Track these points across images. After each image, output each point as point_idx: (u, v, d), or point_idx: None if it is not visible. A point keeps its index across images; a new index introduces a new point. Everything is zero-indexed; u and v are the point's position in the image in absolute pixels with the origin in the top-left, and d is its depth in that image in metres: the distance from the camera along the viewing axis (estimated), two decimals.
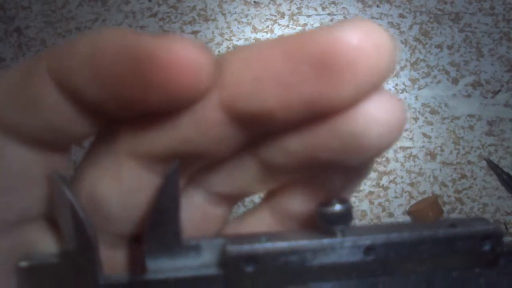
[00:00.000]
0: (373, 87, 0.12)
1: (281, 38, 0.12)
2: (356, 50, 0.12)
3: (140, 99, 0.13)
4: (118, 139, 0.15)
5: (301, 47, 0.12)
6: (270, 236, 0.15)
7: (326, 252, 0.15)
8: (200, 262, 0.15)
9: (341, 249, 0.15)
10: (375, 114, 0.13)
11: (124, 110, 0.14)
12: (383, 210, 0.46)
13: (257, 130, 0.14)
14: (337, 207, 0.15)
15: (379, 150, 0.13)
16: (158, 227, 0.15)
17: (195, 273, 0.15)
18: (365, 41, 0.12)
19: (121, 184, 0.15)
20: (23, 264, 0.15)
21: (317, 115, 0.13)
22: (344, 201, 0.15)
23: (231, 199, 0.17)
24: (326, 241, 0.15)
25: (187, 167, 0.15)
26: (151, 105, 0.13)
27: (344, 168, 0.15)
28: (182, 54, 0.12)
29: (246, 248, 0.15)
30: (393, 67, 0.12)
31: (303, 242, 0.15)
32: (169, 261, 0.15)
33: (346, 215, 0.15)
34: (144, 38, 0.12)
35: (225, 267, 0.15)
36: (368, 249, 0.15)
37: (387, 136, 0.13)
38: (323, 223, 0.15)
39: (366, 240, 0.15)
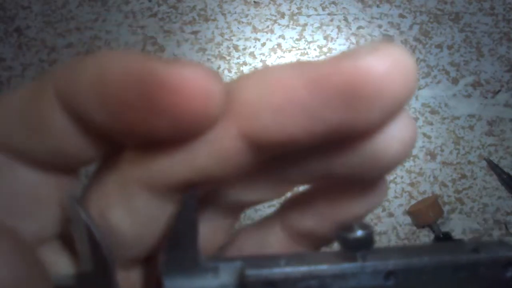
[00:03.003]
0: (399, 110, 0.12)
1: (301, 64, 0.12)
2: (384, 77, 0.12)
3: (148, 125, 0.13)
4: (128, 168, 0.15)
5: (326, 75, 0.12)
6: (289, 259, 0.15)
7: (346, 277, 0.15)
8: (218, 283, 0.15)
9: (361, 274, 0.15)
10: (396, 133, 0.13)
11: (133, 136, 0.13)
12: (383, 210, 0.46)
13: (276, 154, 0.14)
14: (359, 232, 0.15)
15: (394, 166, 0.14)
16: (175, 250, 0.15)
17: None
18: (393, 68, 0.12)
19: (133, 214, 0.15)
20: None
21: (342, 139, 0.13)
22: (365, 227, 0.15)
23: (241, 209, 0.18)
24: (346, 266, 0.15)
25: (200, 190, 0.15)
26: (159, 131, 0.13)
27: (359, 188, 0.16)
28: (192, 80, 0.12)
29: (265, 272, 0.15)
30: (415, 87, 0.12)
31: (323, 267, 0.15)
32: (187, 282, 0.15)
33: (367, 241, 0.15)
34: (153, 63, 0.12)
35: None
36: (389, 274, 0.15)
37: (404, 153, 0.13)
38: (344, 248, 0.15)
39: (387, 265, 0.15)
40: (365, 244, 0.15)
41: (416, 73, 0.12)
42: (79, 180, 0.16)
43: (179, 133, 0.13)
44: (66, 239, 0.16)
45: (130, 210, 0.15)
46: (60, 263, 0.16)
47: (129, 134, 0.13)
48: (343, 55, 0.12)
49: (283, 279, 0.15)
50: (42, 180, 0.15)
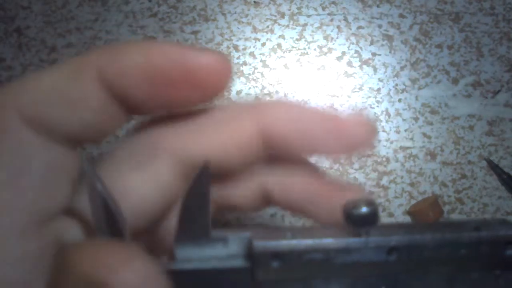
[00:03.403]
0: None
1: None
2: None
3: (184, 98, 0.17)
4: (162, 140, 0.18)
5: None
6: (296, 233, 0.16)
7: (350, 251, 0.15)
8: (227, 253, 0.16)
9: (365, 249, 0.15)
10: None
11: (167, 106, 0.17)
12: (383, 210, 0.46)
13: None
14: (364, 209, 0.15)
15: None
16: (188, 220, 0.16)
17: (222, 264, 0.16)
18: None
19: (154, 179, 0.17)
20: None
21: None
22: (370, 204, 0.15)
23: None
24: (350, 240, 0.15)
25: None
26: (191, 102, 0.17)
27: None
28: (215, 63, 0.16)
29: (272, 244, 0.15)
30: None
31: (328, 241, 0.15)
32: (197, 251, 0.16)
33: (372, 217, 0.16)
34: (188, 52, 0.16)
35: (251, 260, 0.16)
36: (391, 250, 0.15)
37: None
38: (349, 223, 0.16)
39: (390, 241, 0.15)
40: (370, 221, 0.15)
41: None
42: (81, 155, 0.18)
43: (204, 100, 0.17)
44: (77, 209, 0.17)
45: (153, 176, 0.18)
46: (73, 235, 0.17)
47: (165, 105, 0.17)
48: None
49: (289, 251, 0.15)
50: (61, 154, 0.17)
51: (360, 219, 0.15)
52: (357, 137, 0.18)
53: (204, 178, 0.15)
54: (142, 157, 0.17)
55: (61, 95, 0.16)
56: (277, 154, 0.18)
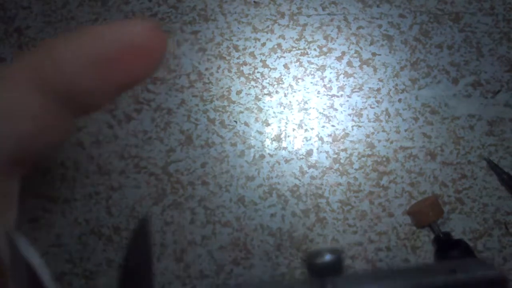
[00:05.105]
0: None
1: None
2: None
3: (131, 75, 0.17)
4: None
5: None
6: None
7: None
8: None
9: None
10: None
11: (117, 92, 0.17)
12: (383, 210, 0.46)
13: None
14: (327, 257, 0.14)
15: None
16: (130, 283, 0.14)
17: None
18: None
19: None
20: None
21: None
22: (335, 251, 0.14)
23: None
24: None
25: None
26: (138, 77, 0.17)
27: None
28: (152, 29, 0.17)
29: None
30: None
31: None
32: None
33: (337, 266, 0.14)
34: (123, 26, 0.16)
35: None
36: None
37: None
38: (312, 275, 0.14)
39: None
40: (335, 270, 0.14)
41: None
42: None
43: (150, 69, 0.17)
44: None
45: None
46: None
47: (114, 89, 0.16)
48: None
49: None
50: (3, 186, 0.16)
51: (323, 269, 0.14)
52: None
53: (143, 235, 0.14)
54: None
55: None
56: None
